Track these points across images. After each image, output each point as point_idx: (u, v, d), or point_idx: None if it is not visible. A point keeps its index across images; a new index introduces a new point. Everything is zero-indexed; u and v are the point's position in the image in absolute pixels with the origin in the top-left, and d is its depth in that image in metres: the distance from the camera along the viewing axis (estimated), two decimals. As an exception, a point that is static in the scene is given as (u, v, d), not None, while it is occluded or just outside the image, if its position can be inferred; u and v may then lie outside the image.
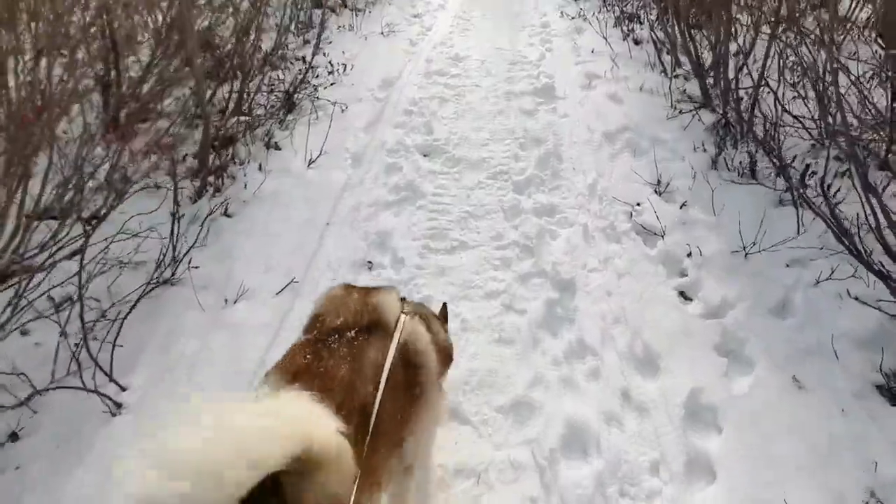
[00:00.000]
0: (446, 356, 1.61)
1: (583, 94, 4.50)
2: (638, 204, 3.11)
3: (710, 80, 4.05)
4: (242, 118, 3.91)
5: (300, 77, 4.56)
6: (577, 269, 2.78)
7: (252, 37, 4.62)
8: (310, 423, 0.86)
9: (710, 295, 2.48)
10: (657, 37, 4.92)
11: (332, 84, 4.88)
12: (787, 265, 2.59)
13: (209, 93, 4.22)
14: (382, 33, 6.26)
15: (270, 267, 2.86)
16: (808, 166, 2.99)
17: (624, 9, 6.00)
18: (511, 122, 4.22)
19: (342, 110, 4.44)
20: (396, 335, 1.34)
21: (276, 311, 2.56)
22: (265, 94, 4.41)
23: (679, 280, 2.62)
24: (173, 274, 2.70)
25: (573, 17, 6.40)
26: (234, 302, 2.61)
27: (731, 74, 3.78)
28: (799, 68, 3.75)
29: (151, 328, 2.44)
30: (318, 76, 4.91)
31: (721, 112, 3.67)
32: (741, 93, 3.62)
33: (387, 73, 5.12)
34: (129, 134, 3.72)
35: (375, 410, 1.16)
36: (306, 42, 6.03)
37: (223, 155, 3.59)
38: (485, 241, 3.08)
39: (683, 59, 4.57)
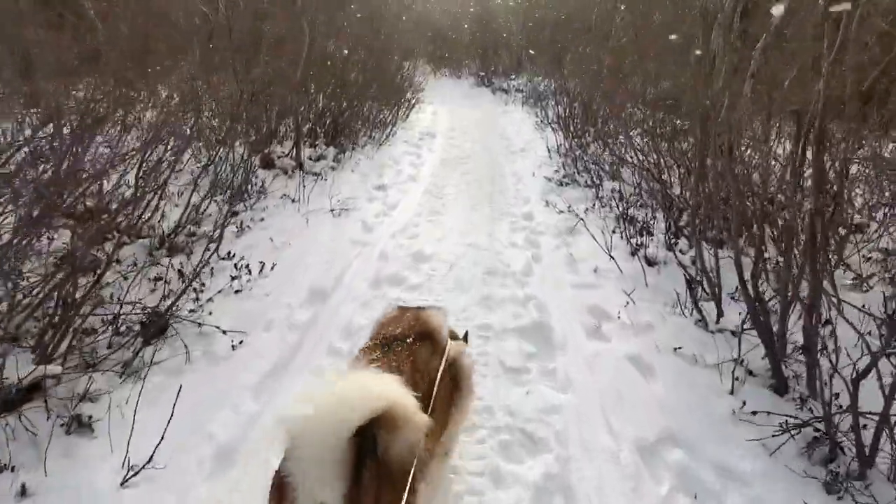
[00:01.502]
0: (469, 375, 2.10)
1: (590, 346, 3.14)
2: None
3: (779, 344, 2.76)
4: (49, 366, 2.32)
5: (183, 286, 3.09)
6: None
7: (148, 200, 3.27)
8: (392, 390, 1.30)
9: None
10: (681, 261, 3.77)
11: (237, 292, 3.44)
12: None
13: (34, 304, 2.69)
14: (332, 211, 5.06)
15: None
16: None
17: (626, 211, 4.98)
18: (487, 394, 2.75)
19: (234, 346, 2.92)
20: (447, 353, 1.90)
21: None
22: (123, 305, 2.88)
23: None
24: None
25: (561, 211, 5.39)
26: None
27: (822, 349, 2.49)
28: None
29: None
30: (200, 293, 3.33)
31: (824, 431, 2.29)
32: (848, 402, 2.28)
33: (320, 279, 3.74)
34: None
35: (434, 393, 1.72)
36: (234, 214, 4.74)
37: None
38: None
39: (723, 295, 3.34)
